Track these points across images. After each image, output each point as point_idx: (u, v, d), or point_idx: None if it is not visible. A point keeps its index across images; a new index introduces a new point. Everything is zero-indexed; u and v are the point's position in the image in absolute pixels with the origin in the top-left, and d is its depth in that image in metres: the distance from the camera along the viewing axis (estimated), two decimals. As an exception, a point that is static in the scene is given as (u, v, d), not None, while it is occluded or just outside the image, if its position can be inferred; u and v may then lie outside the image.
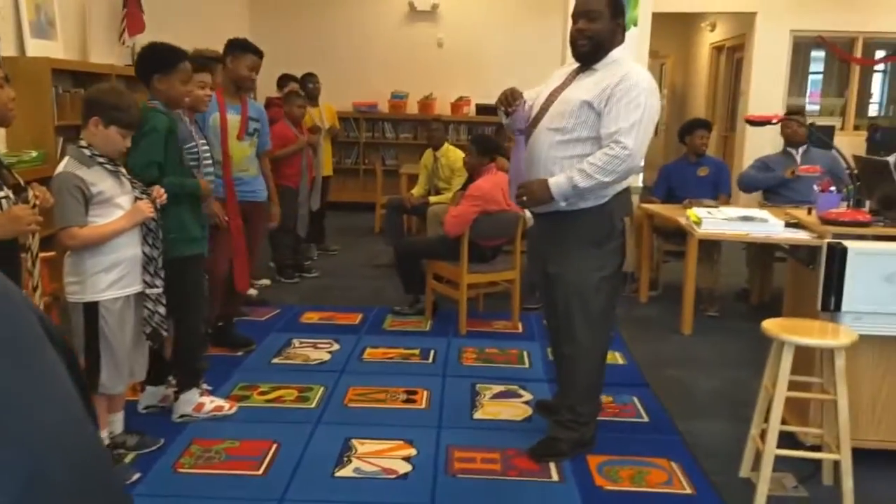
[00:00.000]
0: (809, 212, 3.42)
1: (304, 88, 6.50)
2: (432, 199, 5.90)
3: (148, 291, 2.63)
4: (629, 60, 2.79)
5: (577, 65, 2.83)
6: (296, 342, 4.29)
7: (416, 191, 6.19)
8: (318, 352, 4.14)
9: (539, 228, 3.01)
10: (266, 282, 5.47)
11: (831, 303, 2.80)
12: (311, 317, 4.79)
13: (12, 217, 2.15)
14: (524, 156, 2.80)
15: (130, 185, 2.63)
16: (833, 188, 3.33)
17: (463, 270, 4.47)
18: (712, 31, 10.81)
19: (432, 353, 4.18)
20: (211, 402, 3.23)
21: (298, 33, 8.99)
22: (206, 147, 3.36)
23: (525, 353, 4.22)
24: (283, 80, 6.31)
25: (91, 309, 2.57)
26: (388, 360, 4.07)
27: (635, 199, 5.11)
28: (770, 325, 2.69)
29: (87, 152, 2.55)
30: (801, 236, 3.82)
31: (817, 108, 9.62)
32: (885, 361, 2.88)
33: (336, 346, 4.23)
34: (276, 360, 4.00)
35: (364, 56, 9.06)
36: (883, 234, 3.01)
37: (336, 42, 9.02)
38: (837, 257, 2.77)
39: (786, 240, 3.94)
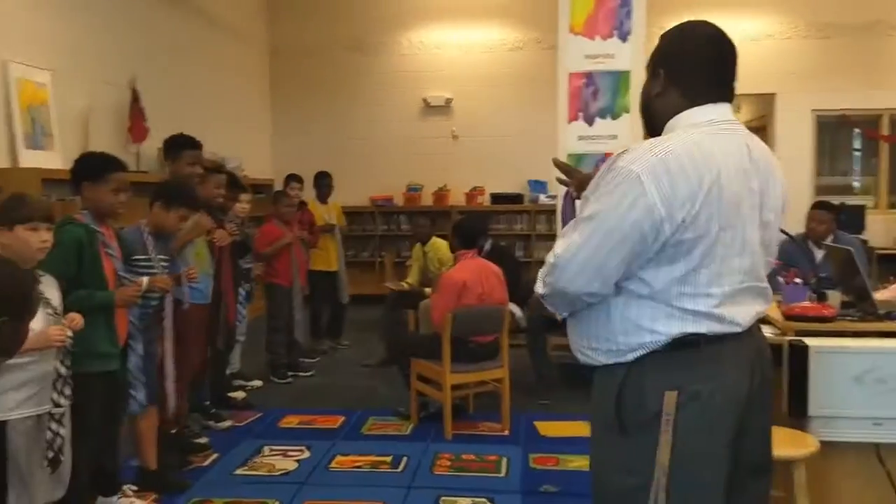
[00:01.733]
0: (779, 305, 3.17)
1: (317, 187, 6.61)
2: (428, 290, 5.79)
3: (53, 411, 2.53)
4: (685, 131, 1.66)
5: None
6: (266, 449, 4.13)
7: (411, 278, 6.14)
8: (286, 460, 3.97)
9: None
10: (258, 383, 5.37)
11: (797, 407, 2.54)
12: (290, 421, 4.64)
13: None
14: None
15: (47, 303, 2.57)
16: (798, 280, 3.08)
17: (445, 370, 4.28)
18: (737, 112, 10.66)
19: (404, 460, 3.96)
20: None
21: (317, 131, 9.20)
22: (161, 258, 3.34)
23: (504, 461, 3.97)
24: (289, 179, 6.34)
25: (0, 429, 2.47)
26: (356, 468, 3.87)
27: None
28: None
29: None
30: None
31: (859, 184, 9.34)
32: (864, 471, 2.57)
33: (306, 454, 4.05)
34: (239, 471, 3.84)
35: (380, 151, 9.20)
36: (851, 329, 2.74)
37: (353, 139, 9.19)
38: (798, 356, 2.53)
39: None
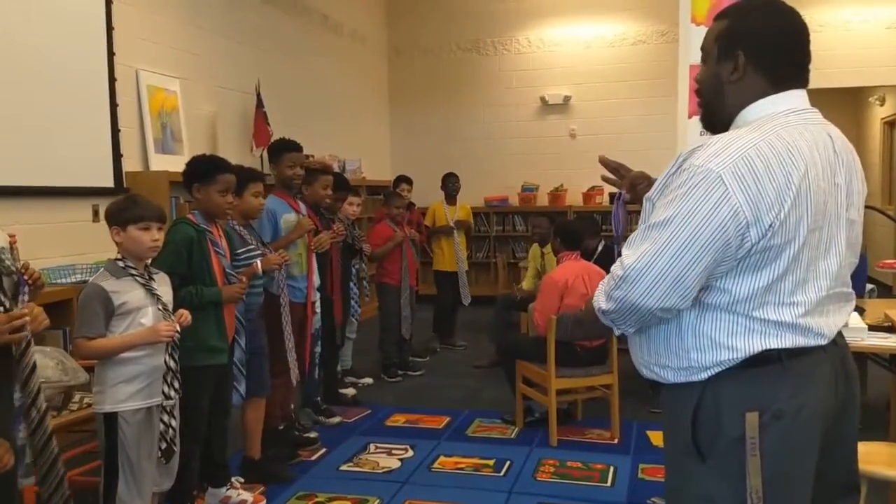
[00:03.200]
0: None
1: (444, 187, 6.68)
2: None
3: (164, 403, 2.65)
4: (765, 123, 1.48)
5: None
6: (372, 447, 4.17)
7: (526, 284, 6.02)
8: (390, 459, 3.99)
9: None
10: (369, 380, 5.45)
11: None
12: (397, 419, 4.67)
13: None
14: None
15: (158, 299, 2.69)
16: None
17: (550, 374, 4.18)
18: (882, 105, 9.86)
19: (507, 464, 3.89)
20: (238, 496, 3.30)
21: (434, 132, 9.29)
22: (259, 252, 3.44)
23: (611, 470, 3.82)
24: (399, 181, 6.43)
25: (111, 419, 2.60)
26: (458, 470, 3.84)
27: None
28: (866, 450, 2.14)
29: (120, 264, 2.65)
30: (890, 343, 3.19)
31: None
32: None
33: (410, 453, 4.06)
34: (344, 467, 3.90)
35: (495, 151, 9.17)
36: None
37: (468, 139, 9.21)
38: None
39: (869, 348, 3.28)
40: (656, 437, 4.28)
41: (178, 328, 2.66)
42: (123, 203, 2.66)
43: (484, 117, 9.20)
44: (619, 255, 1.53)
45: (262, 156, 6.12)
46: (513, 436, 4.36)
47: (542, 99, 9.07)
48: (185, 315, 2.73)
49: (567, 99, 9.02)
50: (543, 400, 4.29)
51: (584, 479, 3.70)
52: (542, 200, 8.97)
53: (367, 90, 8.95)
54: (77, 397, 3.13)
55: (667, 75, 7.38)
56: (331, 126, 7.68)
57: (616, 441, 4.24)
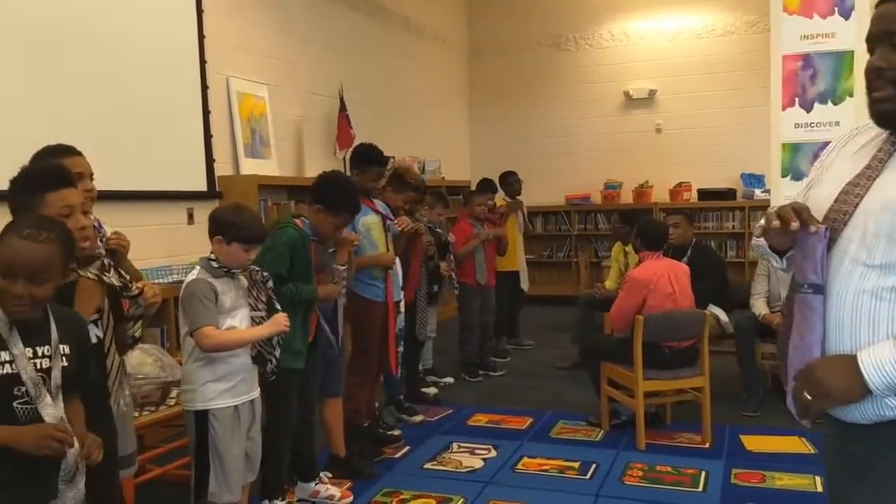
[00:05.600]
0: None
1: (503, 186, 6.63)
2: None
3: (253, 314, 2.73)
4: None
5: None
6: (455, 446, 4.18)
7: (608, 283, 5.90)
8: (473, 458, 3.99)
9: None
10: (450, 380, 5.47)
11: None
12: (479, 419, 4.66)
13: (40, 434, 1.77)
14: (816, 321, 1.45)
15: (249, 300, 2.76)
16: None
17: (637, 376, 4.08)
18: None
19: (593, 467, 3.82)
20: (326, 490, 3.39)
21: (514, 130, 9.24)
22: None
23: (703, 474, 3.70)
24: (485, 188, 6.33)
25: (201, 417, 2.68)
26: (542, 472, 3.80)
27: None
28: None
29: (214, 264, 2.73)
30: None
31: None
32: None
33: (493, 453, 4.05)
34: (428, 465, 3.92)
35: (577, 148, 9.04)
36: None
37: (549, 137, 9.12)
38: None
39: None
40: (750, 442, 4.14)
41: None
42: (236, 218, 2.69)
43: (565, 114, 9.09)
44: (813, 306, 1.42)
45: (344, 158, 6.22)
46: (598, 438, 4.28)
47: (626, 94, 8.89)
48: (285, 322, 2.78)
49: (652, 93, 8.82)
50: (630, 403, 4.19)
51: (675, 484, 3.60)
52: (626, 198, 8.79)
53: (446, 91, 8.99)
54: (173, 393, 3.26)
55: (757, 67, 7.13)
56: (411, 127, 7.74)
57: (707, 445, 4.11)
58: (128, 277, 2.34)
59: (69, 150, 2.48)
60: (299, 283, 3.09)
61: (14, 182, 2.09)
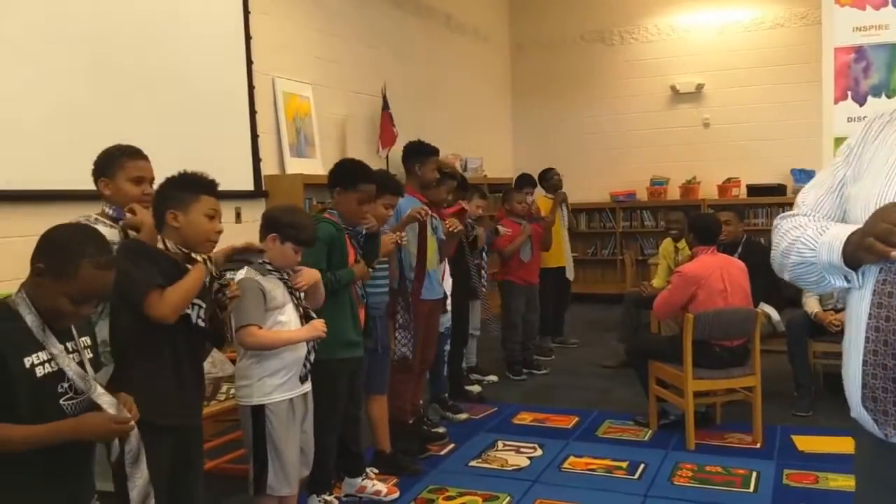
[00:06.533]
0: None
1: (543, 183, 6.61)
2: (670, 291, 5.49)
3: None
4: None
5: None
6: (500, 444, 4.17)
7: (656, 282, 5.81)
8: (519, 457, 3.97)
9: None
10: (493, 378, 5.46)
11: None
12: (524, 417, 4.64)
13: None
14: None
15: (297, 297, 2.80)
16: None
17: (687, 375, 4.02)
18: None
19: (641, 467, 3.77)
20: (373, 486, 3.44)
21: (557, 127, 9.16)
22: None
23: (754, 475, 3.63)
24: (521, 179, 6.31)
25: (258, 411, 2.72)
26: (590, 471, 3.76)
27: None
28: None
29: (261, 262, 2.77)
30: None
31: None
32: None
33: (539, 452, 4.02)
34: (473, 463, 3.91)
35: (622, 144, 8.94)
36: None
37: (594, 133, 9.03)
38: None
39: None
40: (802, 442, 4.05)
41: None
42: (292, 219, 2.76)
43: (610, 109, 8.99)
44: None
45: (387, 156, 6.25)
46: (646, 438, 4.23)
47: (673, 88, 8.75)
48: (323, 328, 2.81)
49: (699, 87, 8.67)
50: (679, 402, 4.13)
51: (725, 485, 3.54)
52: (673, 194, 8.66)
53: (488, 88, 8.95)
54: (224, 388, 3.31)
55: (808, 60, 6.97)
56: (453, 125, 7.73)
57: (758, 445, 4.03)
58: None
59: (136, 152, 2.67)
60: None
61: (175, 179, 2.37)
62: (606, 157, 8.90)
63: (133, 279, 2.16)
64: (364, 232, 3.32)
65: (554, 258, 6.25)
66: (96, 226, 2.51)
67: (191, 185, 2.36)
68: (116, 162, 2.61)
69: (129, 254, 1.96)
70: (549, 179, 6.59)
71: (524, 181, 6.08)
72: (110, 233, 2.49)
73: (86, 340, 1.91)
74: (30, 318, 1.77)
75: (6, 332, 1.74)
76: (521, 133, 9.46)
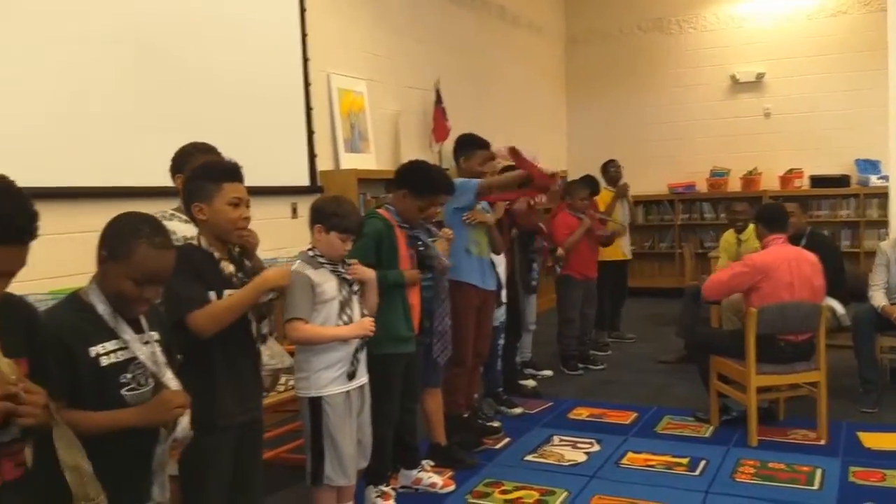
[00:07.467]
0: None
1: (605, 174, 6.54)
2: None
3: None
4: None
5: None
6: (556, 439, 4.13)
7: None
8: (576, 452, 3.93)
9: None
10: (548, 373, 5.41)
11: None
12: (580, 412, 4.59)
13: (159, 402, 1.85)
14: None
15: (351, 287, 2.82)
16: None
17: (750, 370, 3.92)
18: None
19: (702, 464, 3.70)
20: (428, 478, 3.47)
21: (612, 119, 9.05)
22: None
23: (818, 472, 3.52)
24: (584, 179, 6.15)
25: (316, 403, 2.75)
26: (649, 467, 3.70)
27: None
28: None
29: (312, 255, 2.80)
30: None
31: None
32: None
33: (596, 447, 3.98)
34: (529, 457, 3.89)
35: (680, 136, 8.77)
36: None
37: (651, 124, 8.89)
38: None
39: None
40: (869, 439, 3.93)
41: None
42: (335, 208, 2.77)
43: (668, 100, 8.83)
44: None
45: (439, 151, 6.25)
46: (707, 434, 4.14)
47: (733, 77, 8.55)
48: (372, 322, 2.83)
49: (760, 76, 8.45)
50: (741, 398, 4.03)
51: (789, 482, 3.45)
52: (734, 185, 8.48)
53: (542, 81, 8.88)
54: (282, 379, 3.36)
55: (873, 48, 6.75)
56: (506, 118, 7.68)
57: (823, 442, 3.92)
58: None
59: (209, 149, 2.75)
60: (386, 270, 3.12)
61: (195, 171, 2.37)
62: (664, 149, 8.75)
63: (177, 296, 2.14)
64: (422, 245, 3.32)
65: (613, 252, 6.17)
66: (171, 221, 2.58)
67: (211, 174, 2.32)
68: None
69: (178, 264, 1.94)
70: (610, 171, 6.51)
71: (587, 183, 5.79)
72: (186, 228, 2.54)
73: (154, 335, 1.93)
74: (101, 307, 1.82)
75: (74, 323, 1.79)
76: (575, 125, 9.37)
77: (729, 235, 5.77)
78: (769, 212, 4.24)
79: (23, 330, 1.60)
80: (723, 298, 4.06)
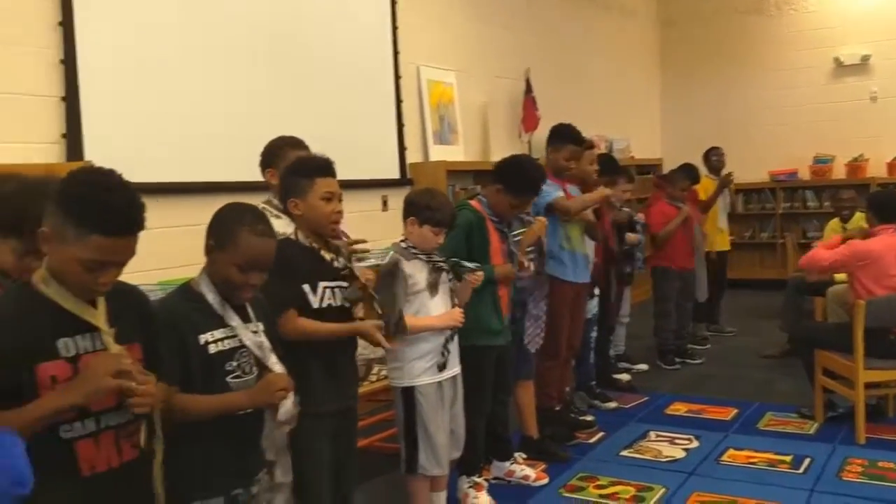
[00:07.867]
0: None
1: (707, 162, 6.34)
2: (837, 276, 5.08)
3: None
4: None
5: None
6: (652, 434, 4.03)
7: (821, 266, 5.41)
8: (673, 448, 3.83)
9: None
10: (643, 367, 5.28)
11: None
12: (678, 408, 4.47)
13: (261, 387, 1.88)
14: None
15: (447, 276, 2.83)
16: None
17: (858, 365, 3.73)
18: None
19: (807, 462, 3.54)
20: (521, 471, 3.44)
21: (708, 105, 8.73)
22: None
23: (934, 473, 3.32)
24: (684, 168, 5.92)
25: (409, 393, 2.78)
26: (751, 465, 3.57)
27: None
28: None
29: (405, 247, 2.82)
30: None
31: None
32: None
33: (695, 444, 3.86)
34: (624, 452, 3.81)
35: (781, 121, 8.38)
36: None
37: (749, 110, 8.53)
38: None
39: None
40: None
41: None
42: (429, 201, 2.78)
43: (767, 84, 8.44)
44: None
45: (529, 141, 6.18)
46: (812, 431, 3.97)
47: (836, 60, 8.11)
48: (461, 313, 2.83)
49: (866, 58, 7.98)
50: (849, 394, 3.84)
51: (902, 483, 3.27)
52: (839, 172, 8.06)
53: (635, 66, 8.65)
54: (375, 369, 3.40)
55: None
56: (598, 105, 7.53)
57: (940, 442, 3.69)
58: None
59: (298, 143, 2.82)
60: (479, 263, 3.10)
61: (290, 167, 2.44)
62: (764, 135, 8.38)
63: (274, 294, 2.12)
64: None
65: (710, 243, 5.96)
66: None
67: (304, 170, 2.37)
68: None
69: (277, 259, 1.97)
70: (712, 159, 6.31)
71: (688, 173, 5.59)
72: (277, 223, 2.60)
73: (260, 325, 1.97)
74: (210, 296, 1.89)
75: (185, 311, 1.87)
76: (669, 112, 9.09)
77: (834, 224, 5.51)
78: (882, 200, 4.03)
79: (135, 317, 1.67)
80: (817, 274, 3.93)
